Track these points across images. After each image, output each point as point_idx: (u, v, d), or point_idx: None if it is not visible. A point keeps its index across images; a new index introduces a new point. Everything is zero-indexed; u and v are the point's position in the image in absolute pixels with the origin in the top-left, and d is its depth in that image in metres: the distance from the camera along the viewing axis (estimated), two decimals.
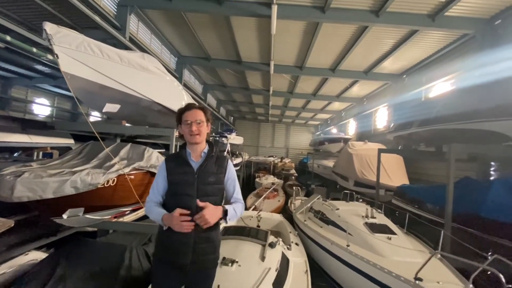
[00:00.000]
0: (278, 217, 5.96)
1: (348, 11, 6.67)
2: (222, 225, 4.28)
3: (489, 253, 2.58)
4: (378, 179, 6.69)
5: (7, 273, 3.23)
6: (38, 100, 12.82)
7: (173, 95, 5.42)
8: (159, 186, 1.73)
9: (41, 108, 13.13)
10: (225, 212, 1.66)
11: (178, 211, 1.54)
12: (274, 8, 6.22)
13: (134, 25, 7.85)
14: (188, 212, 1.57)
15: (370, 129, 14.17)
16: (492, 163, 6.05)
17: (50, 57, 5.38)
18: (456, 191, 4.35)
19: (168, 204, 1.71)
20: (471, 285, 2.52)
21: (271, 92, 13.73)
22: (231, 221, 1.75)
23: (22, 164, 3.43)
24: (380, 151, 6.83)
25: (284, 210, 8.65)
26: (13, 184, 2.78)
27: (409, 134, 6.32)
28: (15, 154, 5.26)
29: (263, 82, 13.66)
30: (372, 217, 4.27)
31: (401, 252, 3.32)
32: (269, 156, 22.03)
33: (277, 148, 26.73)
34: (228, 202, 1.83)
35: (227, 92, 16.85)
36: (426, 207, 5.59)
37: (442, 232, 3.35)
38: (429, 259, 2.53)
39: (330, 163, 14.07)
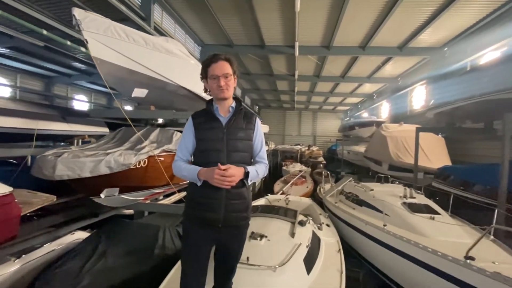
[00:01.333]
0: (307, 200, 5.80)
1: None
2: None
3: None
4: (416, 160, 6.17)
5: (56, 250, 3.55)
6: (77, 96, 13.82)
7: (198, 79, 5.41)
8: (187, 143, 1.68)
9: (80, 104, 14.13)
10: (246, 174, 1.59)
11: (220, 166, 1.49)
12: None
13: (158, 15, 7.97)
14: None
15: (405, 110, 13.18)
16: None
17: (83, 49, 5.66)
18: None
19: (197, 161, 1.67)
20: None
21: (296, 76, 13.30)
22: (252, 182, 1.69)
23: (62, 147, 3.68)
24: (419, 130, 6.26)
25: (313, 197, 8.44)
26: (54, 163, 2.97)
27: (453, 109, 5.69)
28: (62, 144, 5.66)
29: (288, 67, 13.26)
30: (411, 197, 3.94)
31: (446, 232, 3.01)
32: (295, 144, 21.66)
33: (304, 136, 26.18)
34: (252, 160, 1.77)
35: (251, 80, 16.69)
36: (473, 189, 5.06)
37: (496, 210, 2.97)
38: (484, 234, 2.25)
39: (361, 148, 13.44)
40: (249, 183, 1.66)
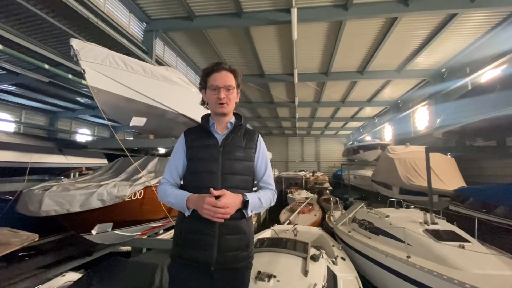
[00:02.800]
0: (317, 230, 5.39)
1: (373, 4, 6.29)
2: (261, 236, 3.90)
3: None
4: (429, 182, 5.82)
5: None
6: (80, 130, 13.93)
7: (198, 107, 5.35)
8: (177, 163, 1.44)
9: (84, 137, 14.21)
10: (245, 203, 1.32)
11: (214, 192, 1.24)
12: (294, 12, 6.09)
13: (160, 49, 8.23)
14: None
15: (409, 132, 13.02)
16: None
17: (84, 82, 5.71)
18: None
19: (186, 184, 1.42)
20: None
21: (296, 103, 13.41)
22: (254, 212, 1.39)
23: (54, 180, 3.47)
24: (428, 150, 6.00)
25: (322, 226, 7.94)
26: (41, 198, 2.74)
27: (462, 127, 5.49)
28: (62, 178, 5.48)
29: (288, 94, 13.43)
30: (433, 223, 3.57)
31: (482, 263, 2.62)
32: (299, 171, 21.23)
33: (308, 162, 25.83)
34: (256, 185, 1.51)
35: (252, 108, 16.88)
36: (496, 211, 4.67)
37: None
38: None
39: (368, 172, 13.07)
40: (250, 214, 1.37)
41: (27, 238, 2.33)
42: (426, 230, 3.35)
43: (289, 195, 14.01)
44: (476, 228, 3.72)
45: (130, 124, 4.19)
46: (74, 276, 3.94)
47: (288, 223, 6.44)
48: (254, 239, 3.54)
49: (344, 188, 15.78)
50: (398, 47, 8.42)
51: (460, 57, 8.58)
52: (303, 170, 21.37)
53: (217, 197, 1.24)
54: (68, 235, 4.35)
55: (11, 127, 10.74)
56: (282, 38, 8.08)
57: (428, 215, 3.69)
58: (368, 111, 16.96)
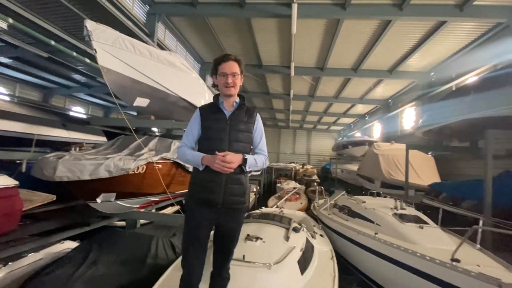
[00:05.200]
0: (301, 214, 5.87)
1: (370, 6, 6.62)
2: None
3: None
4: (406, 177, 6.36)
5: (44, 259, 3.48)
6: (74, 108, 13.88)
7: (198, 92, 5.62)
8: (193, 131, 1.86)
9: (78, 116, 14.19)
10: (244, 160, 1.74)
11: (221, 154, 1.65)
12: (294, 7, 6.35)
13: (162, 33, 8.36)
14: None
15: (396, 131, 13.62)
16: None
17: (88, 61, 5.86)
18: (496, 185, 4.05)
19: (201, 148, 1.84)
20: None
21: (291, 95, 13.74)
22: (251, 169, 1.82)
23: (63, 151, 3.74)
24: (408, 147, 6.51)
25: (307, 213, 8.45)
26: (55, 164, 3.02)
27: (440, 128, 5.98)
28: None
29: (284, 86, 13.74)
30: (402, 208, 4.07)
31: (435, 240, 3.13)
32: (290, 163, 21.81)
33: (299, 155, 26.42)
34: (253, 151, 1.93)
35: (248, 98, 17.10)
36: (462, 204, 5.23)
37: (481, 221, 3.10)
38: (469, 234, 2.36)
39: (354, 167, 13.65)
40: (247, 169, 1.79)
41: (47, 197, 2.65)
42: (395, 214, 3.84)
43: (278, 184, 14.58)
44: (440, 217, 4.24)
45: (134, 104, 4.45)
46: (72, 244, 4.23)
47: (276, 208, 6.89)
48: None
49: (331, 181, 16.42)
50: (391, 48, 8.81)
51: (448, 62, 9.07)
52: (293, 162, 21.95)
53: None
54: (68, 205, 4.56)
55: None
56: (281, 31, 8.33)
57: (398, 202, 4.20)
58: (360, 108, 17.48)
